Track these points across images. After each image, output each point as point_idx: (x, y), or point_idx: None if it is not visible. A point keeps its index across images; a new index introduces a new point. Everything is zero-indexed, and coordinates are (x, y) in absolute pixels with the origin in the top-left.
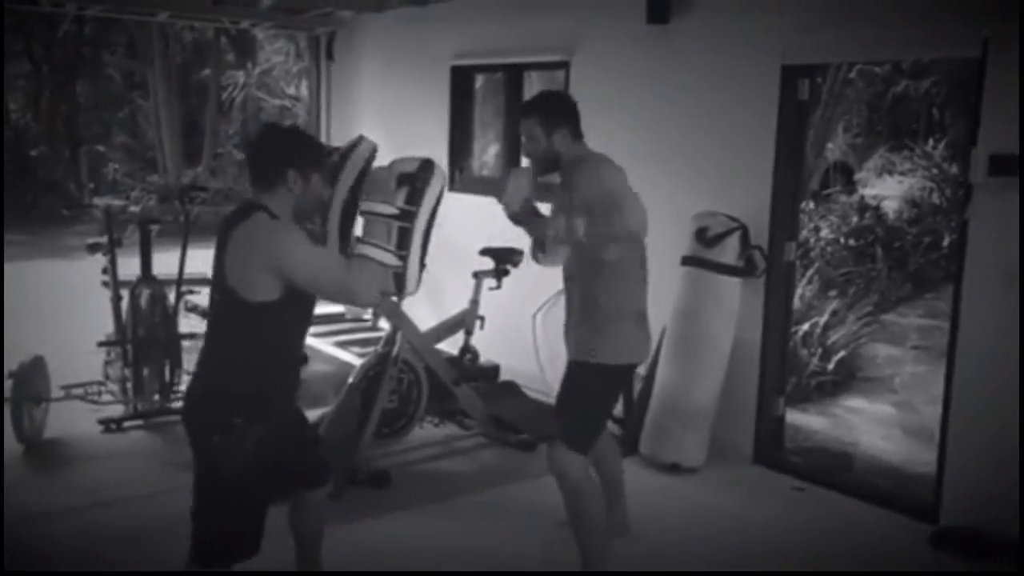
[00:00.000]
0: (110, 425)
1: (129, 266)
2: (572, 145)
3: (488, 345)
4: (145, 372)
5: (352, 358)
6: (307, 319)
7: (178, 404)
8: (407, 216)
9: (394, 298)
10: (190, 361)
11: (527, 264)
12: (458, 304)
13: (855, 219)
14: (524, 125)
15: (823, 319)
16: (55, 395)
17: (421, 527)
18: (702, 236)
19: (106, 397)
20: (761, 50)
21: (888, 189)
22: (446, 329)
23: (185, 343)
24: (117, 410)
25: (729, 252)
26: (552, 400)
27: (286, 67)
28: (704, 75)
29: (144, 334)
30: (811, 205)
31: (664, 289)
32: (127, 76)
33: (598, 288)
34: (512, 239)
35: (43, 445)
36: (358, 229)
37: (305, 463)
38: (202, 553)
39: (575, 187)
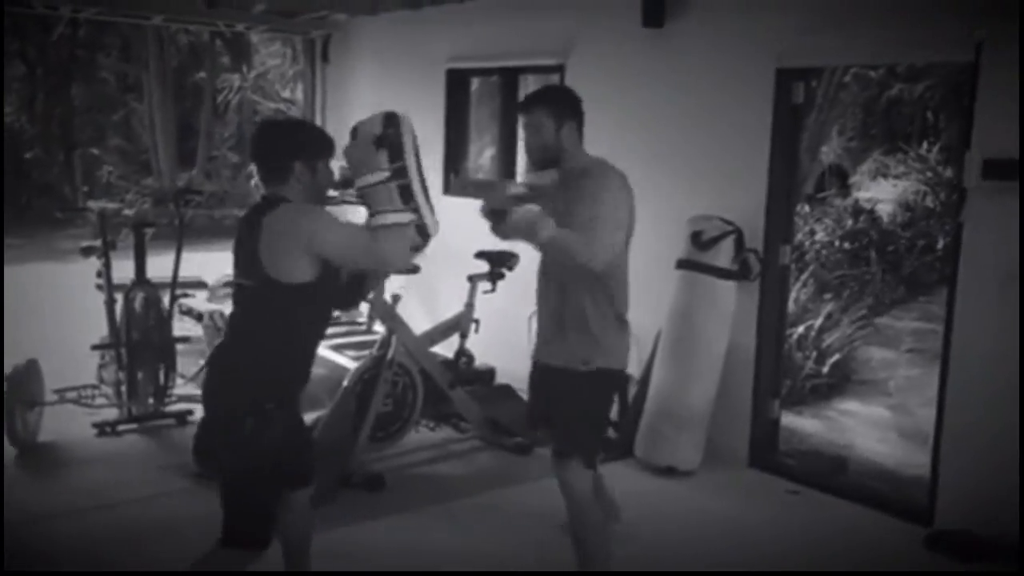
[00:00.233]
0: (104, 429)
1: (123, 269)
2: (579, 145)
3: (483, 348)
4: (139, 376)
5: (347, 361)
6: (326, 319)
7: (172, 408)
8: (399, 172)
9: (389, 300)
10: (184, 365)
11: (522, 267)
12: (453, 307)
13: (850, 222)
14: (531, 116)
15: (818, 322)
16: (49, 398)
17: (416, 531)
18: (697, 240)
19: (100, 401)
20: (756, 54)
21: (882, 192)
22: (441, 332)
23: (179, 346)
24: (111, 414)
25: (724, 255)
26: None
27: (282, 70)
28: (699, 79)
29: (138, 337)
30: (806, 208)
31: (659, 292)
32: (122, 79)
33: (594, 292)
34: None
35: (37, 449)
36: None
37: (301, 464)
38: (236, 536)
39: (578, 193)
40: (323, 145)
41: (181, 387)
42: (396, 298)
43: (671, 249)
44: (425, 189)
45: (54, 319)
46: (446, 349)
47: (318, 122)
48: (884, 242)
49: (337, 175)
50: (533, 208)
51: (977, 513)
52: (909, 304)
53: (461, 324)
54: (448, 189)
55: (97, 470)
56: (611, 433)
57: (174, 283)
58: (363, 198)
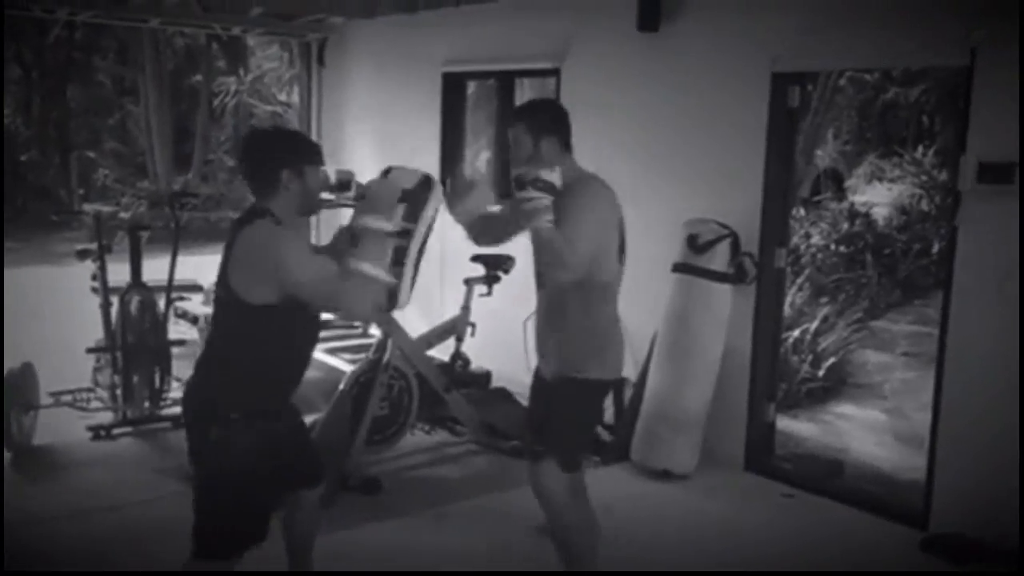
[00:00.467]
0: (100, 432)
1: (119, 272)
2: (561, 158)
3: (479, 351)
4: (135, 379)
5: (343, 364)
6: (315, 324)
7: (168, 411)
8: (405, 234)
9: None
10: (180, 368)
11: (518, 270)
12: (449, 310)
13: (845, 226)
14: (512, 131)
15: (813, 325)
16: (44, 402)
17: (412, 534)
18: (693, 243)
19: (95, 404)
20: (752, 58)
21: (878, 196)
22: (437, 335)
23: (175, 350)
24: (107, 417)
25: (719, 259)
26: None
27: (278, 73)
28: (695, 82)
29: (134, 341)
30: (801, 212)
31: (655, 295)
32: (118, 81)
33: (590, 300)
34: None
35: (32, 452)
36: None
37: (304, 462)
38: (201, 547)
39: (572, 207)
40: (309, 150)
41: (176, 390)
42: None
43: (667, 252)
44: (417, 262)
45: (50, 322)
46: (442, 352)
47: (314, 125)
48: (880, 246)
49: (333, 178)
50: (545, 199)
51: (973, 516)
52: (905, 308)
53: (457, 327)
54: (444, 192)
55: (92, 473)
56: (607, 436)
57: (170, 286)
58: (356, 233)
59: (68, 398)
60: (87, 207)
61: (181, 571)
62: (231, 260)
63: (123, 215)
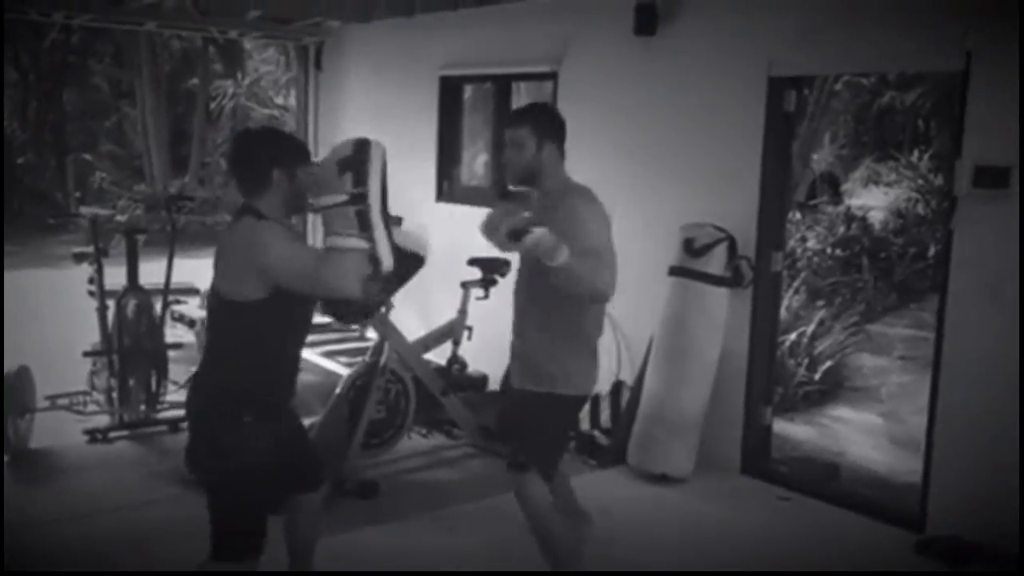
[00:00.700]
0: (96, 435)
1: (115, 275)
2: (559, 166)
3: (476, 355)
4: (131, 382)
5: (339, 368)
6: (303, 324)
7: (164, 415)
8: (358, 198)
9: (383, 309)
10: (176, 371)
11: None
12: (446, 314)
13: (841, 229)
14: (513, 133)
15: (810, 329)
16: (40, 405)
17: (409, 537)
18: (689, 247)
19: (92, 407)
20: (748, 62)
21: (874, 200)
22: (434, 339)
23: (171, 353)
24: (103, 420)
25: (716, 262)
26: None
27: (275, 76)
28: (691, 86)
29: (130, 344)
30: (798, 215)
31: (652, 299)
32: (114, 85)
33: (572, 315)
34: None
35: (29, 455)
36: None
37: (306, 465)
38: (221, 548)
39: (567, 215)
40: (300, 152)
41: (173, 394)
42: (389, 305)
43: (664, 256)
44: (386, 219)
45: (46, 325)
46: (439, 356)
47: (311, 129)
48: (876, 249)
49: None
50: (547, 232)
51: (969, 519)
52: (901, 311)
53: (454, 331)
54: (441, 196)
55: (89, 476)
56: (604, 440)
57: (166, 289)
58: (324, 219)
59: (64, 401)
60: (83, 210)
61: (197, 571)
62: (220, 260)
63: (120, 218)
